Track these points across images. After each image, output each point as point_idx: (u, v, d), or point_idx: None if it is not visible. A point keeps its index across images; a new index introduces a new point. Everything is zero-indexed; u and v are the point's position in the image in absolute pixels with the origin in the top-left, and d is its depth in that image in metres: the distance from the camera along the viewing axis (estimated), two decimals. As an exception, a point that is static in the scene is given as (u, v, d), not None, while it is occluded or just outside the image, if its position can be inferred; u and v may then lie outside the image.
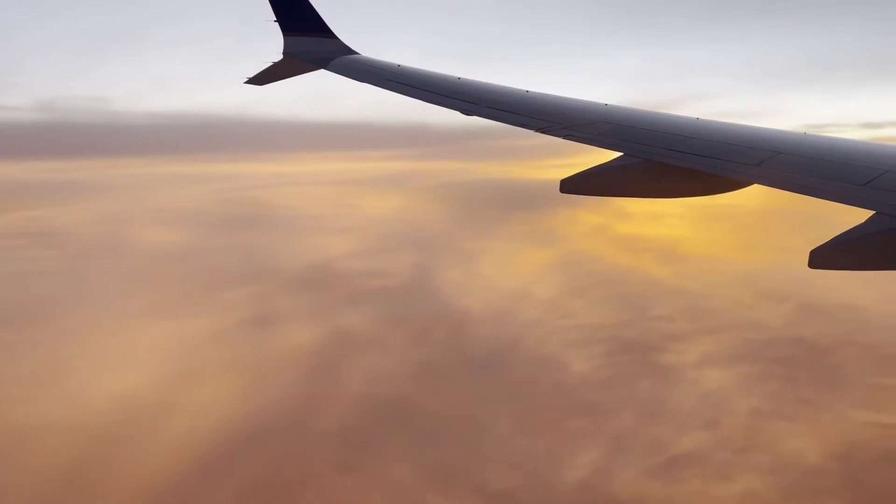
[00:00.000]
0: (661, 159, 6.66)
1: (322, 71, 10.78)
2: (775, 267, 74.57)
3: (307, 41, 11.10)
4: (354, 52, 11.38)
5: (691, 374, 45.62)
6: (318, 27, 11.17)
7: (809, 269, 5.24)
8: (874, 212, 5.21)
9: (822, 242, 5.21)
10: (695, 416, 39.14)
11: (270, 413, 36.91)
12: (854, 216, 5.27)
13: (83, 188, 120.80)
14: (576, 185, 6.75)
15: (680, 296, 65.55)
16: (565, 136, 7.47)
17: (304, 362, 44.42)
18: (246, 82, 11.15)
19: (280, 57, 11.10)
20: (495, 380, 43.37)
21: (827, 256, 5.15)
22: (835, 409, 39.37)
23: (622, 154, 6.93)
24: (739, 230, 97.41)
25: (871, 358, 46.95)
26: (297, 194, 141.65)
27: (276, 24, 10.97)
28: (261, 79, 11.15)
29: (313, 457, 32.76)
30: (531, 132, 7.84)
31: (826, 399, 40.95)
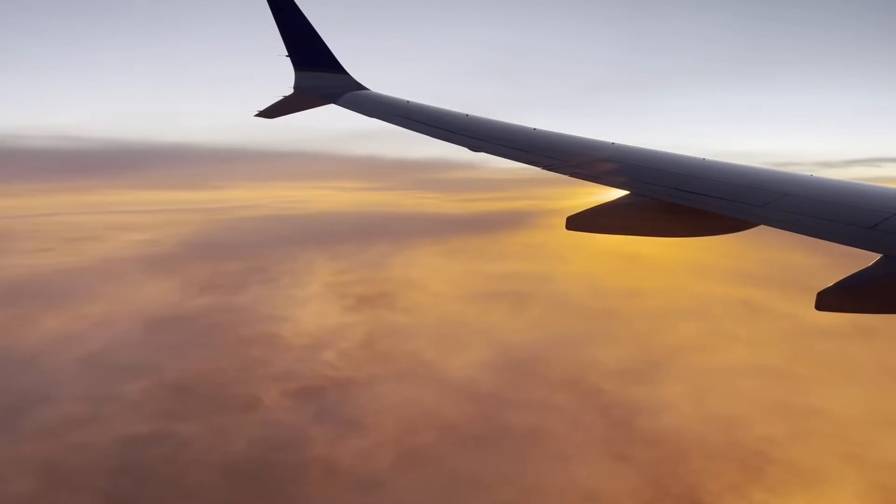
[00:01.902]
0: (667, 199, 6.64)
1: (331, 105, 11.03)
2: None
3: (318, 76, 11.38)
4: (364, 88, 11.61)
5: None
6: (328, 63, 11.46)
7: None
8: (881, 255, 5.25)
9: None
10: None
11: None
12: (861, 259, 5.29)
13: None
14: (581, 222, 6.73)
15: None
16: (571, 174, 7.44)
17: None
18: (256, 115, 11.28)
19: (291, 91, 11.33)
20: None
21: (833, 299, 5.19)
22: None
23: (628, 193, 6.92)
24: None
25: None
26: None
27: (288, 59, 11.25)
28: (271, 112, 11.29)
29: None
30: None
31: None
